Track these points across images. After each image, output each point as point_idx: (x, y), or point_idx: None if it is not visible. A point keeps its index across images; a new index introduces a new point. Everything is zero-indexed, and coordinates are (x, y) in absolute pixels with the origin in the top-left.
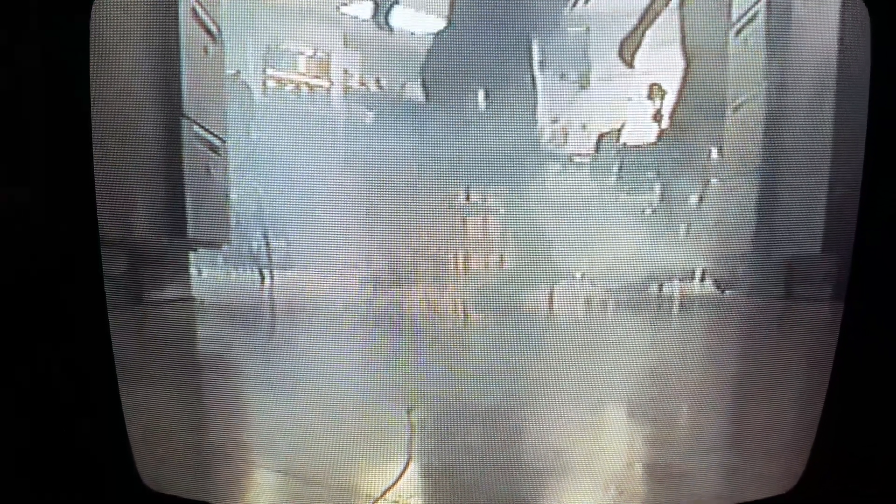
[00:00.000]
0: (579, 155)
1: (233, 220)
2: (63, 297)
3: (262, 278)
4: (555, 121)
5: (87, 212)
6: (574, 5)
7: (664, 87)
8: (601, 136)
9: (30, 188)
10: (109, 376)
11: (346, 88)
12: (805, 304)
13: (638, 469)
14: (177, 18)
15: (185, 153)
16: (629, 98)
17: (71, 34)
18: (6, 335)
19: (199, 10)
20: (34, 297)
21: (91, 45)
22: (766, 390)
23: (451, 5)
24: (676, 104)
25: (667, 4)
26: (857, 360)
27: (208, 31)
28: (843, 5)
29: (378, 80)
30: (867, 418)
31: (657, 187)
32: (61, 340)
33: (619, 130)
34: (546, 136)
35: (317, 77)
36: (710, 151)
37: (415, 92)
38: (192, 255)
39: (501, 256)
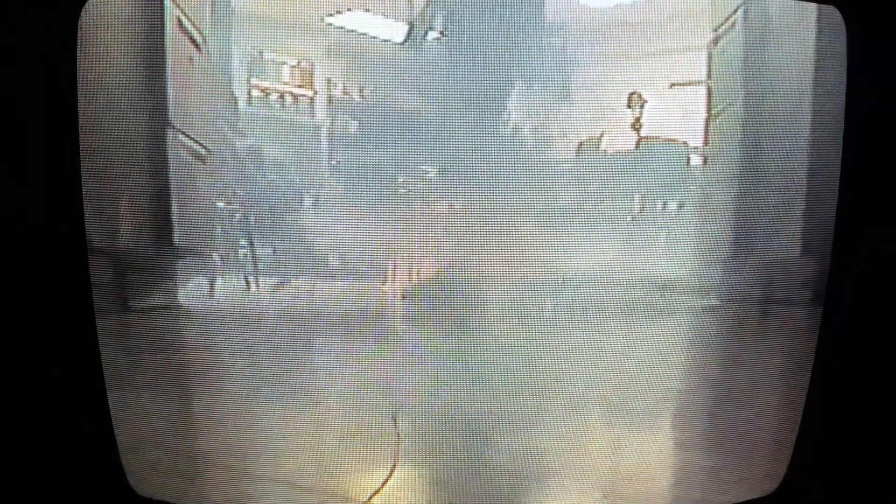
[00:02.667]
0: (561, 163)
1: (218, 229)
2: (52, 302)
3: (248, 285)
4: (537, 130)
5: (76, 219)
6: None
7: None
8: (581, 145)
9: (24, 190)
10: (99, 382)
11: (330, 98)
12: (785, 308)
13: (621, 473)
14: (162, 29)
15: (171, 162)
16: (609, 107)
17: (58, 45)
18: (5, 335)
19: (184, 20)
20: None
21: (78, 55)
22: (748, 394)
23: (434, 17)
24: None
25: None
26: (836, 363)
27: (194, 42)
28: (819, 15)
29: (361, 90)
30: (847, 420)
31: (637, 195)
32: (53, 342)
33: (599, 139)
34: (528, 144)
35: (301, 87)
36: (689, 159)
37: (397, 101)
38: (178, 263)
39: (485, 264)
